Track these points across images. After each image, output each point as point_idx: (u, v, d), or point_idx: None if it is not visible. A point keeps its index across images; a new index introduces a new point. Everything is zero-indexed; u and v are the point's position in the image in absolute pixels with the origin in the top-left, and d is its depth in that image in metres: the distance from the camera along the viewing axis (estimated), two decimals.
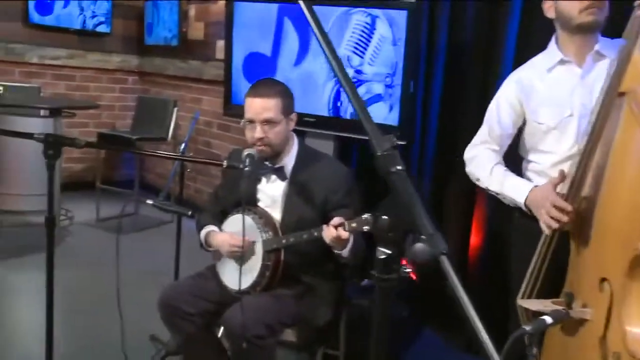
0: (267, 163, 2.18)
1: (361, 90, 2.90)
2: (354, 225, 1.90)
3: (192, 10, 5.03)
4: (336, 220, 1.93)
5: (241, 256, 2.09)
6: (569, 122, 1.81)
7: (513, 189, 1.85)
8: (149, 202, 2.11)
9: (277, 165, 2.19)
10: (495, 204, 2.77)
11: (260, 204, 2.25)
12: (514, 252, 2.03)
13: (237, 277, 2.19)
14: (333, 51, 0.84)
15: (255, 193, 2.25)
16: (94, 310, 3.11)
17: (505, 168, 1.96)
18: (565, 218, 1.56)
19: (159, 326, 2.23)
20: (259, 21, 3.19)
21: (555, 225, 1.58)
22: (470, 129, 2.91)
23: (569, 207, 1.55)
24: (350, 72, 2.91)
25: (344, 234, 1.90)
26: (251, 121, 2.11)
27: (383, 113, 2.84)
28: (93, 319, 3.02)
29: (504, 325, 2.76)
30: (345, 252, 2.02)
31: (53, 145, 1.79)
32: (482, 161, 1.99)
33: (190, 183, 4.93)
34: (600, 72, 1.73)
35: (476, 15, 2.84)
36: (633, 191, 1.40)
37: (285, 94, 2.14)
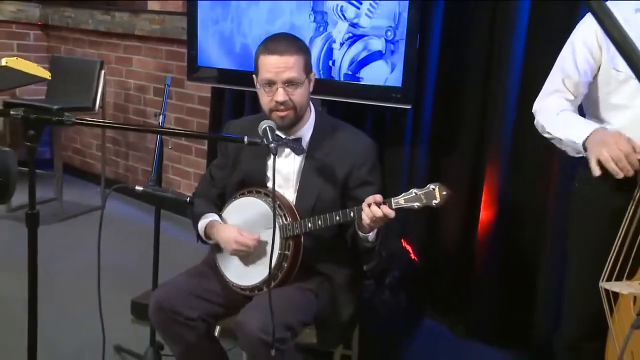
0: (280, 134, 2.04)
1: (357, 47, 2.78)
2: (401, 202, 1.85)
3: None
4: (377, 197, 1.86)
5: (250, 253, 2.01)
6: None
7: (575, 130, 1.77)
8: (138, 188, 1.88)
9: (293, 137, 2.07)
10: (512, 174, 2.80)
11: (269, 183, 2.11)
12: (574, 230, 2.01)
13: (245, 271, 2.08)
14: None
15: (264, 171, 2.11)
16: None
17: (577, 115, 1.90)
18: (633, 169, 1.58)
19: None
20: None
21: (619, 172, 1.59)
22: (474, 87, 2.92)
23: None
24: (344, 27, 2.79)
25: (392, 213, 1.84)
26: (270, 83, 1.98)
27: (384, 73, 2.74)
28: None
29: (523, 309, 2.80)
30: (371, 236, 1.97)
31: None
32: (550, 108, 1.91)
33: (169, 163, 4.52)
34: None
35: None
36: None
37: (306, 50, 2.06)
